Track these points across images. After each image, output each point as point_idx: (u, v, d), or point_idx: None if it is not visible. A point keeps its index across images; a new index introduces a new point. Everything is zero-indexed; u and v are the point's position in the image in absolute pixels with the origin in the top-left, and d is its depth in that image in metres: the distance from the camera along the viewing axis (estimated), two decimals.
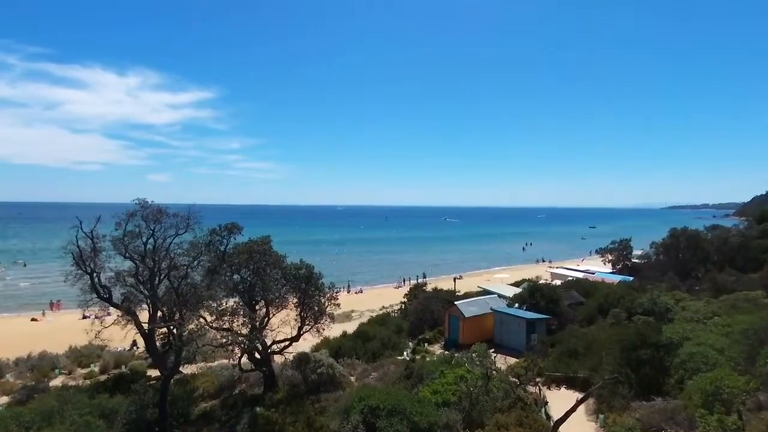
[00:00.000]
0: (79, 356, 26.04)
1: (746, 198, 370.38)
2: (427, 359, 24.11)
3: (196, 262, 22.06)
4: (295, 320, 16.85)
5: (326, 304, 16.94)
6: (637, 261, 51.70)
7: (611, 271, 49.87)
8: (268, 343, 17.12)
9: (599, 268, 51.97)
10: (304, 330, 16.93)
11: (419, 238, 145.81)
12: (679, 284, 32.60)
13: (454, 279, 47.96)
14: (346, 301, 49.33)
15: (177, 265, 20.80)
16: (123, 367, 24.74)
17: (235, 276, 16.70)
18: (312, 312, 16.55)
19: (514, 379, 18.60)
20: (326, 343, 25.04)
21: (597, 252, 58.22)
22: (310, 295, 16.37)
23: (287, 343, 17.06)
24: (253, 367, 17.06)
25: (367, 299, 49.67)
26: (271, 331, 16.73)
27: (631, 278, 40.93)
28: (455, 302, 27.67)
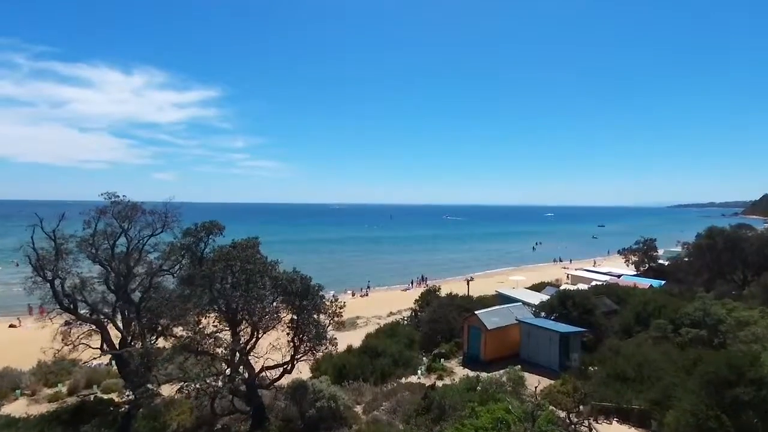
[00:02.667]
0: (47, 373, 22.82)
1: (753, 196, 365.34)
2: (446, 380, 20.81)
3: (177, 267, 18.91)
4: (288, 345, 13.45)
5: (328, 322, 13.54)
6: (662, 262, 48.19)
7: (636, 273, 46.27)
8: (256, 370, 13.76)
9: (622, 270, 48.39)
10: (298, 358, 13.49)
11: (424, 237, 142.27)
12: (729, 291, 28.99)
13: (467, 281, 44.61)
14: (351, 305, 45.85)
15: (142, 272, 17.71)
16: (95, 387, 21.54)
17: (216, 286, 13.17)
18: (308, 336, 13.12)
19: (559, 411, 15.28)
20: (328, 359, 21.73)
21: (620, 252, 54.53)
22: (308, 312, 12.94)
23: (278, 373, 13.69)
24: (234, 406, 13.55)
25: (373, 303, 46.34)
26: (258, 358, 13.40)
27: (662, 282, 37.44)
28: (476, 312, 24.26)
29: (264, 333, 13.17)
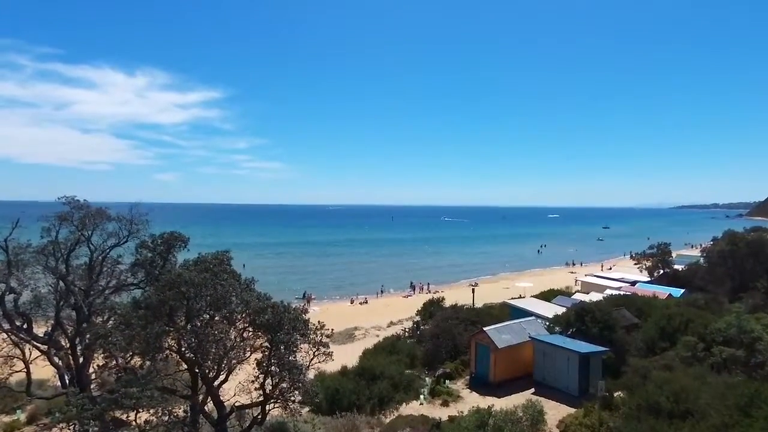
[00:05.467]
0: (7, 396, 20.44)
1: (757, 197, 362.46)
2: (452, 407, 18.45)
3: (146, 281, 16.64)
4: (257, 390, 10.98)
5: (312, 354, 11.12)
6: (677, 267, 45.67)
7: (649, 279, 43.78)
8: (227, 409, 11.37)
9: (634, 276, 45.87)
10: (269, 406, 11.02)
11: (426, 239, 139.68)
12: (760, 303, 26.53)
13: (472, 288, 42.20)
14: (349, 313, 43.76)
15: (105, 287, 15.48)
16: (57, 414, 19.21)
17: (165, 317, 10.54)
18: (280, 386, 10.64)
19: None
20: (320, 379, 19.38)
21: (632, 257, 52.01)
22: (284, 348, 10.48)
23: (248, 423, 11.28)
24: None
25: (372, 311, 43.96)
26: (224, 402, 11.00)
27: (681, 291, 34.96)
28: (484, 328, 21.90)
29: (229, 373, 10.76)
